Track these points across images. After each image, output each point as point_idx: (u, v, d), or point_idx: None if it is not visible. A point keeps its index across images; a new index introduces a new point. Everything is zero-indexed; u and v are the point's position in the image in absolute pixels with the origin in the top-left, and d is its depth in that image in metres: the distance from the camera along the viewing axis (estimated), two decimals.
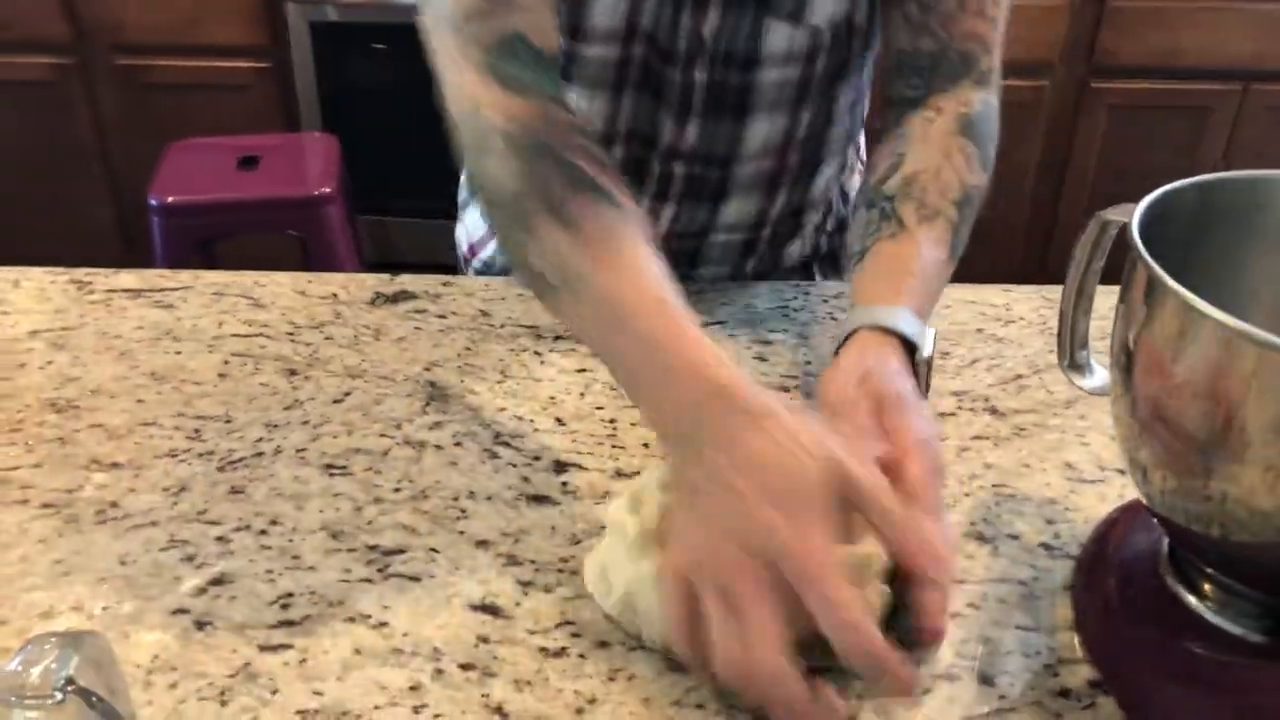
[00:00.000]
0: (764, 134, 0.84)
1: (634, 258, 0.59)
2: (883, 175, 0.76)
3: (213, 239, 1.93)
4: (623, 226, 0.60)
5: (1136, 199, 0.53)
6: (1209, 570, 0.56)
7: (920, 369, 0.66)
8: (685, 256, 0.92)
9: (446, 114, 0.68)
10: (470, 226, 1.02)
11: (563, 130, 0.64)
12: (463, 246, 1.04)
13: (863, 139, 0.99)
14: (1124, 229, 0.53)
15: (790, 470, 0.52)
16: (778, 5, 0.77)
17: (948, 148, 0.75)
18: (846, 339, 0.67)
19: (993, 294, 0.90)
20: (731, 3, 0.77)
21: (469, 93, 0.66)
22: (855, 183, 0.99)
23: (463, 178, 1.01)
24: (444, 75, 0.68)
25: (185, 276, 0.89)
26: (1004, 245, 2.39)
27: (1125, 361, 0.53)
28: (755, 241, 0.93)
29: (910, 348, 0.66)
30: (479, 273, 1.01)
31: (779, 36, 0.78)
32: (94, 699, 0.40)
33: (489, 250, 1.00)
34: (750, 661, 0.49)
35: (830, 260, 1.01)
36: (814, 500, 0.51)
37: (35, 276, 0.88)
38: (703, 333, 0.58)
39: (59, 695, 0.39)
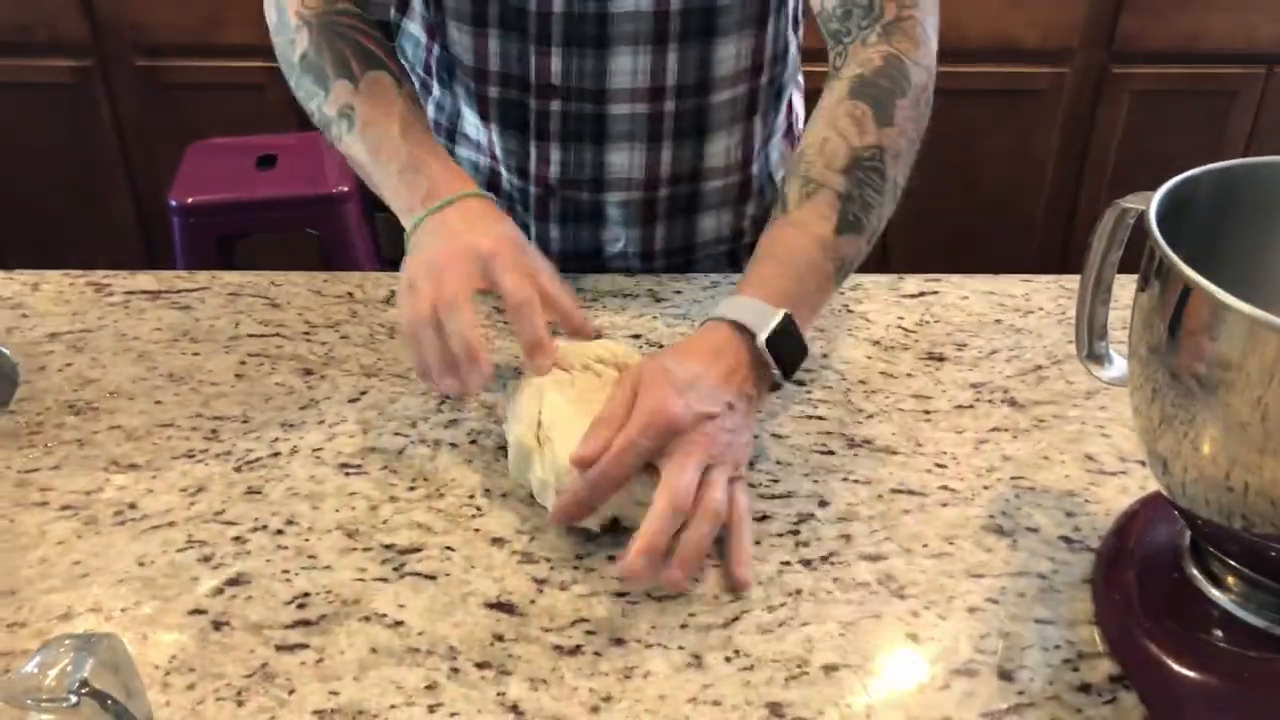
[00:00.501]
0: (627, 69, 0.84)
1: (400, 105, 0.77)
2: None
3: (232, 237, 1.94)
4: (390, 81, 0.78)
5: (1159, 187, 0.53)
6: (1231, 563, 0.55)
7: (763, 352, 0.65)
8: (586, 212, 0.92)
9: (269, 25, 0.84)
10: None
11: (346, 15, 0.81)
12: None
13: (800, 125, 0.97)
14: (1142, 217, 0.52)
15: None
16: None
17: (834, 115, 0.73)
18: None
19: (1011, 284, 0.89)
20: None
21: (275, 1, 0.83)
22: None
23: None
24: None
25: (202, 277, 0.89)
26: (1024, 234, 2.37)
27: (1144, 352, 0.52)
28: (653, 202, 0.92)
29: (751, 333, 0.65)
30: None
31: None
32: (109, 701, 0.40)
33: None
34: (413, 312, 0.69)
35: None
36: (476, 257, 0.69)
37: (54, 279, 0.89)
38: (439, 148, 0.77)
39: (74, 698, 0.39)
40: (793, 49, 0.93)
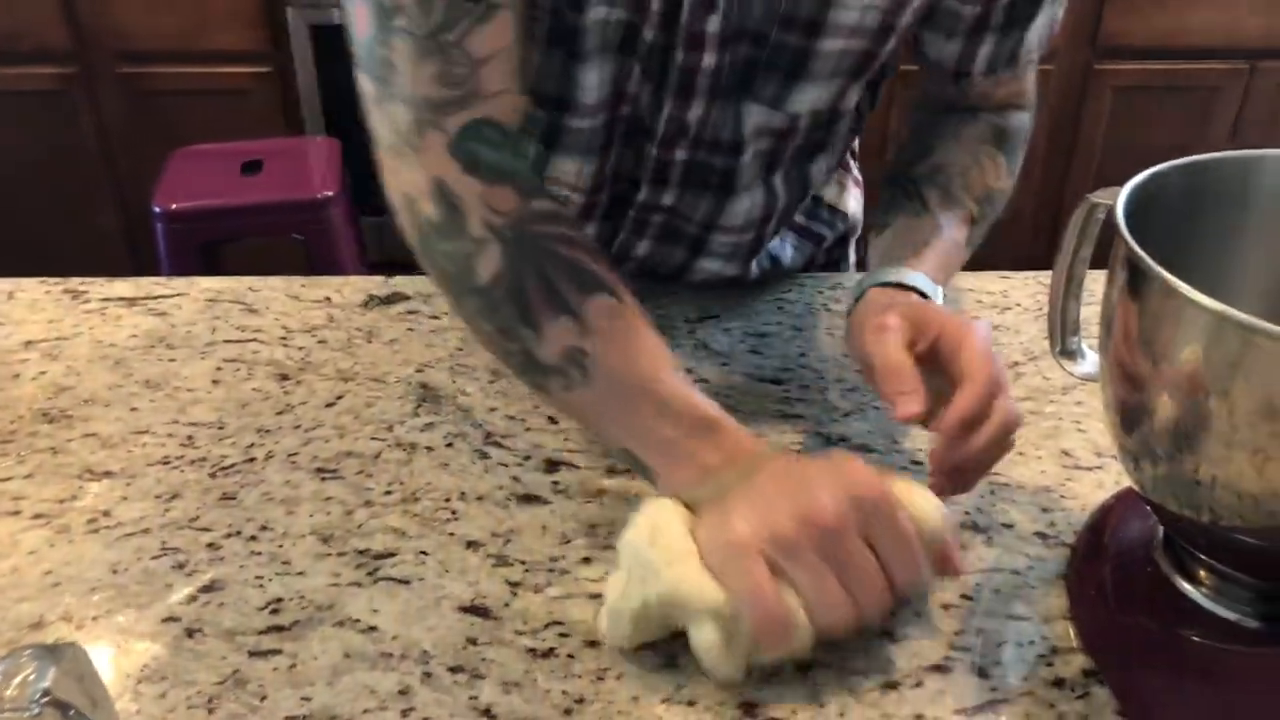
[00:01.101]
0: (744, 209, 0.81)
1: (640, 336, 0.61)
2: (909, 159, 0.78)
3: (217, 243, 1.94)
4: (624, 310, 0.60)
5: None
6: (1202, 556, 0.55)
7: None
8: (688, 239, 0.85)
9: (386, 193, 0.64)
10: None
11: (549, 219, 0.62)
12: None
13: (854, 166, 0.97)
14: (1110, 213, 0.52)
15: (824, 473, 0.55)
16: (759, 92, 0.73)
17: (977, 152, 0.77)
18: (858, 299, 0.68)
19: (990, 281, 0.89)
20: (716, 94, 0.73)
21: (430, 172, 0.61)
22: (854, 202, 0.96)
23: None
24: (389, 150, 0.63)
25: (179, 284, 0.89)
26: (1011, 229, 2.37)
27: (1113, 347, 0.53)
28: (761, 238, 0.87)
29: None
30: None
31: (757, 119, 0.75)
32: (71, 711, 0.40)
33: None
34: (852, 611, 0.52)
35: (829, 269, 0.98)
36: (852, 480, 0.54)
37: (29, 286, 0.88)
38: (711, 401, 0.60)
39: (35, 708, 0.39)
40: None
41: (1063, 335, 0.62)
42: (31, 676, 0.41)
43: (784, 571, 0.52)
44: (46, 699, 0.40)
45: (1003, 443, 0.60)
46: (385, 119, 0.63)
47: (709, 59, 0.70)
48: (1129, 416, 0.52)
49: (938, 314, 0.64)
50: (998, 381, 0.59)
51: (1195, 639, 0.54)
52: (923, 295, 0.67)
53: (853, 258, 1.01)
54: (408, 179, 0.62)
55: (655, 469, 0.59)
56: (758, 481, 0.55)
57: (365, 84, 0.63)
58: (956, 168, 0.76)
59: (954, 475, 0.60)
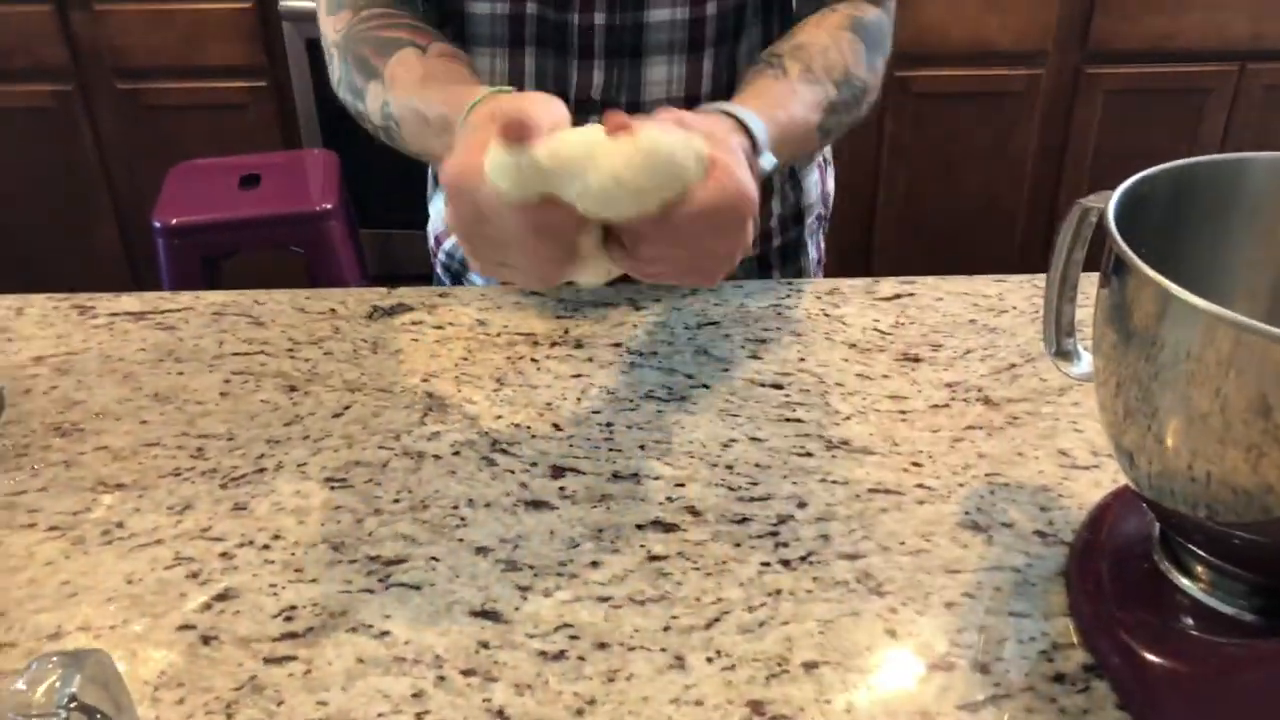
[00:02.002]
0: (663, 78, 0.85)
1: (418, 68, 0.71)
2: (773, 45, 0.80)
3: (217, 257, 1.95)
4: (413, 54, 0.72)
5: None
6: (1199, 552, 0.56)
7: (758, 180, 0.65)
8: None
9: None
10: (434, 218, 1.04)
11: (368, 18, 0.76)
12: (430, 240, 1.06)
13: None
14: (1101, 216, 0.54)
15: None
16: None
17: (837, 36, 0.79)
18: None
19: (985, 285, 0.90)
20: None
21: (322, 32, 0.79)
22: (814, 177, 0.99)
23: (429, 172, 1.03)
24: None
25: (186, 298, 0.90)
26: (1004, 233, 2.39)
27: (1107, 348, 0.54)
28: None
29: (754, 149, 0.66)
30: (444, 265, 1.03)
31: None
32: (97, 716, 0.41)
33: (452, 240, 1.01)
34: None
35: (788, 253, 1.01)
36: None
37: (38, 303, 0.89)
38: (455, 74, 0.71)
39: (62, 713, 0.40)
40: None
41: (1058, 337, 0.64)
42: (58, 682, 0.42)
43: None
44: (73, 704, 0.41)
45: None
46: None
47: None
48: (1123, 416, 0.53)
49: (712, 126, 0.61)
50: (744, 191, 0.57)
51: (1193, 633, 0.55)
52: (750, 136, 0.65)
53: (813, 252, 1.02)
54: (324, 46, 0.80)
55: (440, 151, 0.67)
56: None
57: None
58: (817, 46, 0.78)
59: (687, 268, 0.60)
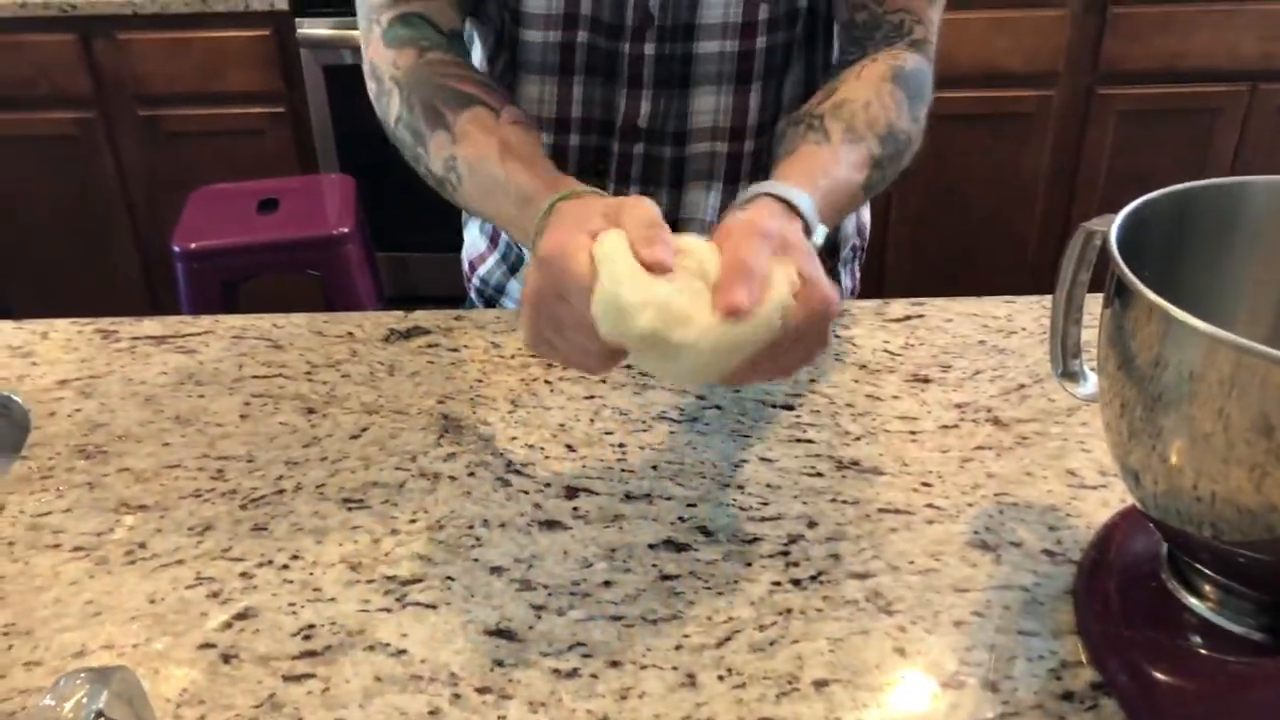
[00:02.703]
0: (710, 108, 0.87)
1: (497, 134, 0.72)
2: (814, 102, 0.79)
3: (236, 281, 1.97)
4: (490, 116, 0.73)
5: None
6: (1206, 571, 0.57)
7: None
8: None
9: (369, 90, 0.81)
10: (470, 244, 1.06)
11: (441, 63, 0.76)
12: (465, 265, 1.07)
13: None
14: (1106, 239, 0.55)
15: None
16: None
17: (879, 89, 0.78)
18: (745, 203, 0.67)
19: (994, 306, 0.91)
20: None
21: (370, 60, 0.80)
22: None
23: None
24: (363, 59, 0.81)
25: (206, 321, 0.92)
26: (1016, 255, 2.39)
27: (1112, 369, 0.55)
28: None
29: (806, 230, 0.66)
30: (479, 290, 1.05)
31: (715, 4, 0.82)
32: None
33: (487, 266, 1.03)
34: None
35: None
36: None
37: (62, 327, 0.91)
38: (541, 161, 0.71)
39: None
40: None
41: (1064, 359, 0.64)
42: (84, 699, 0.43)
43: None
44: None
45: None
46: (361, 38, 0.82)
47: None
48: (1128, 436, 0.54)
49: (792, 237, 0.62)
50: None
51: (1201, 651, 0.56)
52: (804, 217, 0.65)
53: (847, 281, 1.03)
54: (365, 68, 0.80)
55: (517, 242, 0.72)
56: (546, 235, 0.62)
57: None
58: (859, 103, 0.77)
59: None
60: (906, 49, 0.83)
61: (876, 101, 0.77)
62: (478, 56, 0.92)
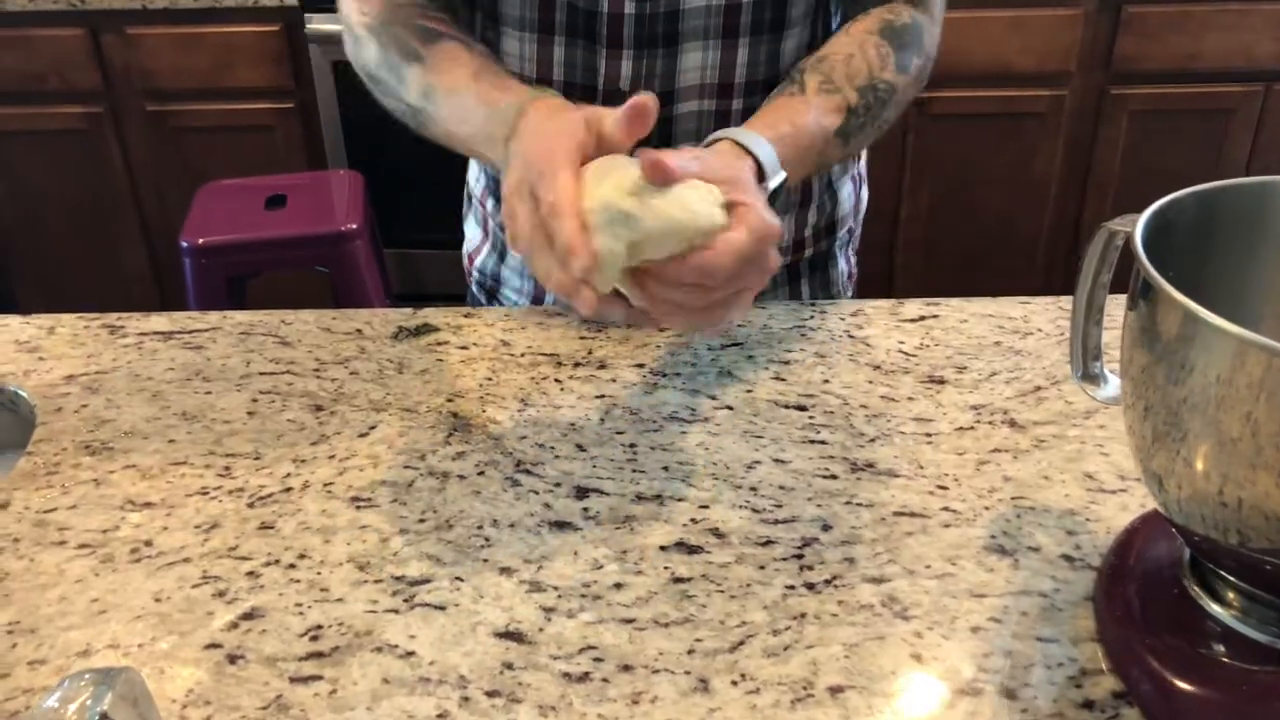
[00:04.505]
0: (697, 65, 0.85)
1: (468, 60, 0.76)
2: (801, 61, 0.81)
3: (243, 277, 1.96)
4: (461, 49, 0.76)
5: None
6: (1230, 578, 0.56)
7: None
8: None
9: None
10: (469, 237, 1.06)
11: (406, 5, 0.80)
12: (464, 259, 1.07)
13: (862, 158, 0.99)
14: (1129, 239, 0.54)
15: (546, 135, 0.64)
16: None
17: (863, 42, 0.80)
18: (704, 147, 0.70)
19: (1010, 306, 0.90)
20: None
21: (343, 15, 0.83)
22: (849, 189, 0.99)
23: (466, 183, 1.04)
24: (340, 18, 0.84)
25: (214, 317, 0.91)
26: (1028, 255, 2.38)
27: (1135, 372, 0.53)
28: None
29: (761, 173, 0.68)
30: (478, 282, 1.04)
31: None
32: None
33: (482, 256, 1.03)
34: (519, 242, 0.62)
35: (817, 264, 1.00)
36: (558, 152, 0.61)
37: (69, 322, 0.91)
38: (511, 80, 0.75)
39: None
40: None
41: (1084, 360, 0.63)
42: (89, 700, 0.42)
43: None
44: None
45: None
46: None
47: None
48: (1152, 440, 0.53)
49: (730, 170, 0.64)
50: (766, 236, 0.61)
51: (1225, 660, 0.55)
52: (756, 161, 0.68)
53: (843, 265, 1.02)
54: (342, 28, 0.84)
55: (490, 156, 0.72)
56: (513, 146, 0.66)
57: None
58: (840, 56, 0.78)
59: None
60: (904, 4, 0.83)
61: (859, 54, 0.78)
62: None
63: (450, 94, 0.75)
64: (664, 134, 0.89)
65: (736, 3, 0.84)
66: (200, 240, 1.90)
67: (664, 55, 0.85)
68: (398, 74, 0.78)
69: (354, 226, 1.93)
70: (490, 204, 1.00)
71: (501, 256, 1.01)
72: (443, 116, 0.76)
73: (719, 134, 0.71)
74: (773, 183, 0.69)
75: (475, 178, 1.02)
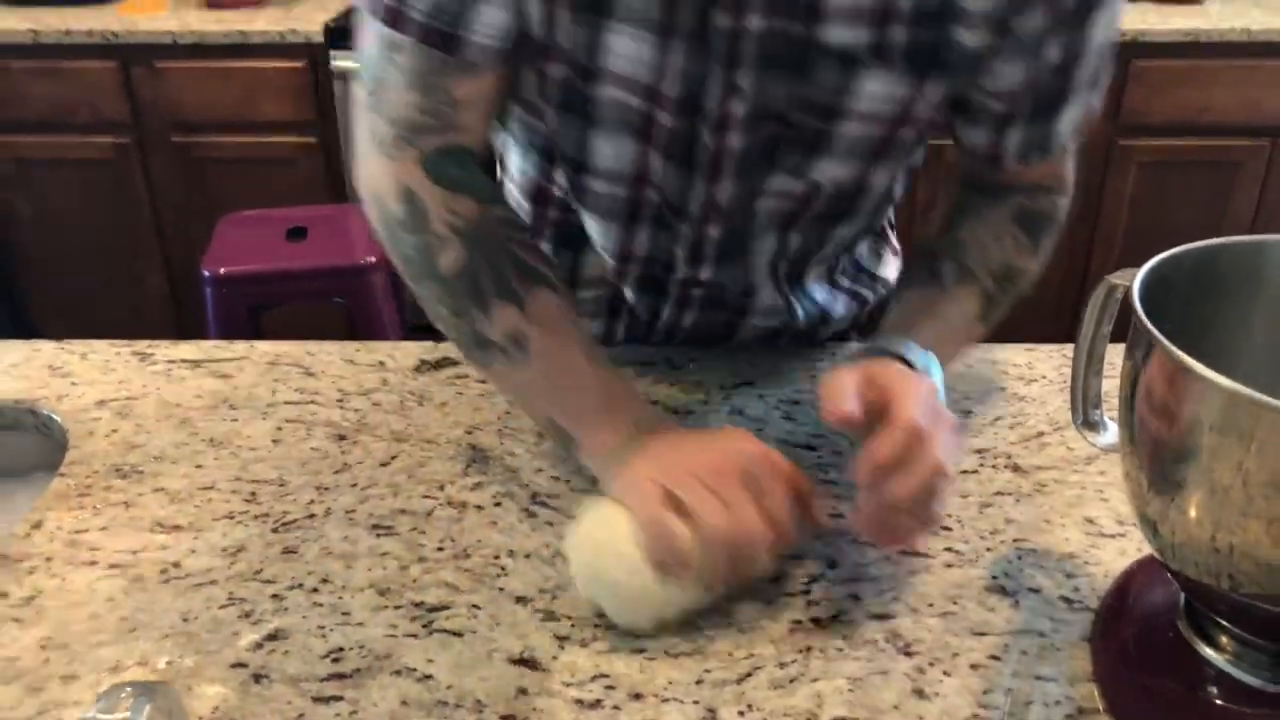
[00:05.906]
0: (769, 247, 0.84)
1: (572, 328, 0.74)
2: (935, 233, 0.81)
3: (263, 307, 2.00)
4: (561, 303, 0.73)
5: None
6: (1223, 622, 0.57)
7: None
8: (730, 301, 0.91)
9: (357, 185, 0.77)
10: None
11: (504, 224, 0.75)
12: None
13: (893, 236, 1.01)
14: (1127, 293, 0.56)
15: (718, 445, 0.66)
16: (782, 163, 0.76)
17: (999, 232, 0.80)
18: (865, 356, 0.70)
19: (1015, 353, 0.92)
20: (744, 172, 0.76)
21: (400, 178, 0.73)
22: (894, 268, 0.99)
23: None
24: (366, 151, 0.75)
25: (240, 347, 0.94)
26: (1035, 303, 2.39)
27: (1131, 420, 0.56)
28: (782, 331, 0.95)
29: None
30: None
31: (779, 185, 0.78)
32: None
33: None
34: (734, 522, 0.61)
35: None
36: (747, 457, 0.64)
37: (100, 349, 0.93)
38: (627, 380, 0.74)
39: None
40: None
41: (1085, 408, 0.65)
42: (129, 712, 0.44)
43: (678, 500, 0.61)
44: None
45: (928, 490, 0.61)
46: (369, 125, 0.74)
47: (735, 140, 0.74)
48: (1147, 487, 0.55)
49: (890, 371, 0.65)
50: (919, 430, 0.61)
51: (1217, 702, 0.57)
52: (908, 363, 0.69)
53: (897, 242, 1.04)
54: (380, 180, 0.74)
55: (577, 437, 0.71)
56: (659, 440, 0.67)
57: (358, 89, 0.75)
58: (976, 245, 0.79)
59: (878, 524, 0.63)
60: (1043, 191, 0.82)
61: (995, 245, 0.79)
62: (516, 165, 0.89)
63: (550, 357, 0.72)
64: (740, 308, 0.90)
65: (800, 212, 0.81)
66: (221, 270, 1.94)
67: (742, 266, 0.85)
68: (482, 302, 0.72)
69: (373, 260, 1.97)
70: None
71: None
72: (527, 369, 0.72)
73: (876, 345, 0.71)
74: (937, 380, 0.69)
75: None
